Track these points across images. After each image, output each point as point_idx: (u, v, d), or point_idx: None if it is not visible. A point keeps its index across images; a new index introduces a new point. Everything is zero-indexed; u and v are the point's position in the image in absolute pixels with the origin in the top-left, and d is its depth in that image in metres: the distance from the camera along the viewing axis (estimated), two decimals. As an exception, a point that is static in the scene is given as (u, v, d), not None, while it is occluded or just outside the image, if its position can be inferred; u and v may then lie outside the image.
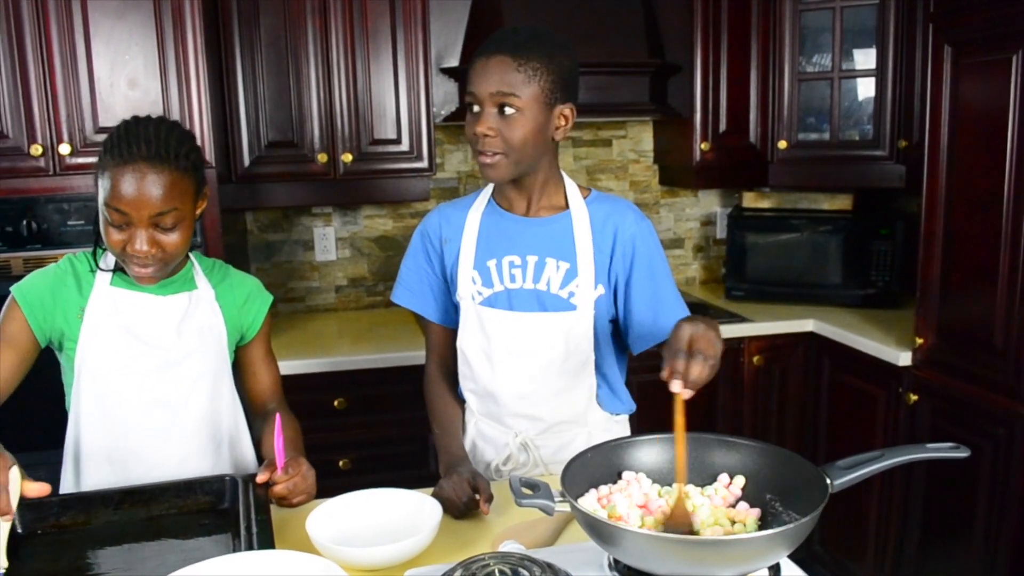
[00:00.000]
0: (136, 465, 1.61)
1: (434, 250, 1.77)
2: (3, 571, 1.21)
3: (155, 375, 1.59)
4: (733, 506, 1.25)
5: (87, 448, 1.60)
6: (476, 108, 1.56)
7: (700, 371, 1.23)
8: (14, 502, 1.19)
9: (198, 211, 1.56)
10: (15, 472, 1.20)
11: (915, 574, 2.66)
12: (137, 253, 1.46)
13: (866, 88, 3.11)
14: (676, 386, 1.22)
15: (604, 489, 1.29)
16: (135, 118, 1.52)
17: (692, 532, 1.20)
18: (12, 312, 1.57)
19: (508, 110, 1.54)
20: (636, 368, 1.85)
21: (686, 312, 1.64)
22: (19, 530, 1.41)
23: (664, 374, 1.24)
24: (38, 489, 1.23)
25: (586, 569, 1.17)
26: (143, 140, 1.45)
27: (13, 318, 1.56)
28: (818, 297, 3.24)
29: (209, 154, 2.52)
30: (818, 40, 3.16)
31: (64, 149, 2.42)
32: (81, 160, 2.45)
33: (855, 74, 3.11)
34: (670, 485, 1.30)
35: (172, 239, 1.49)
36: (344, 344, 2.91)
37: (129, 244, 1.46)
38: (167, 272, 1.56)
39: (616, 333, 1.75)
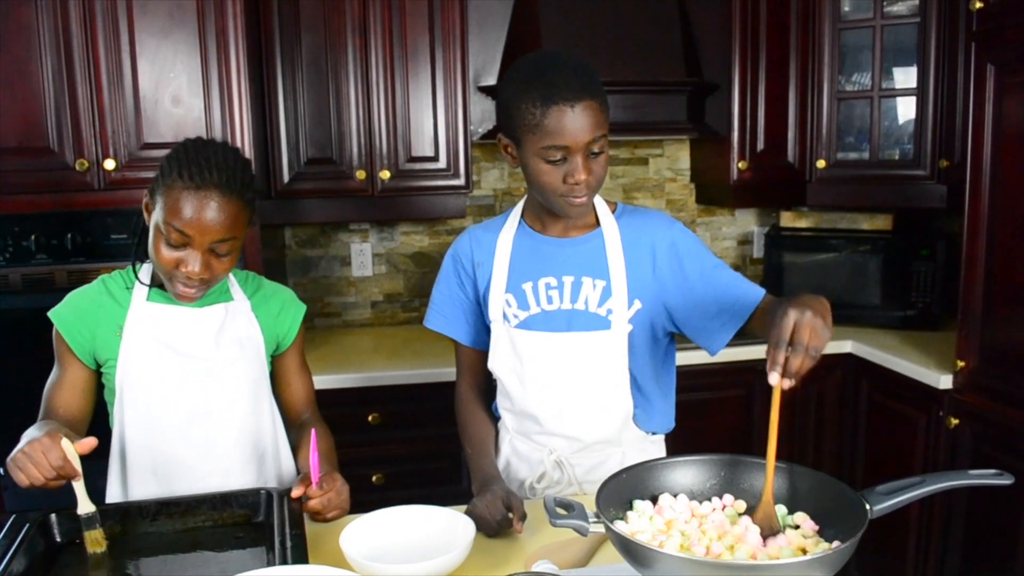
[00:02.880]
0: (180, 477, 1.63)
1: (466, 274, 1.78)
2: (93, 511, 1.39)
3: (196, 386, 1.61)
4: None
5: (132, 461, 1.63)
6: (559, 157, 1.51)
7: (801, 363, 1.17)
8: (77, 465, 1.34)
9: (246, 235, 1.58)
10: (67, 443, 1.33)
11: (956, 603, 2.60)
12: (189, 275, 1.48)
13: (906, 107, 3.07)
14: (773, 378, 1.17)
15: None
16: (201, 140, 1.53)
17: (775, 534, 1.19)
18: (57, 338, 1.61)
19: (596, 150, 1.53)
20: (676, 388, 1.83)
21: (755, 286, 1.61)
22: (57, 539, 1.43)
23: (768, 363, 1.19)
24: (87, 446, 1.35)
25: (619, 591, 1.16)
26: (215, 167, 1.46)
27: (59, 343, 1.61)
28: (856, 318, 3.20)
29: (250, 170, 2.55)
30: (858, 59, 3.13)
31: (109, 164, 2.48)
32: (126, 175, 2.49)
33: (895, 93, 3.08)
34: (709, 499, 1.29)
35: (223, 264, 1.52)
36: (379, 359, 2.92)
37: (182, 264, 1.48)
38: (205, 293, 1.58)
39: (666, 347, 1.74)
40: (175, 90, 2.50)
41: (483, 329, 1.78)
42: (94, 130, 2.47)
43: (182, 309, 1.61)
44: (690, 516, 1.27)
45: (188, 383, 1.61)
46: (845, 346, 3.03)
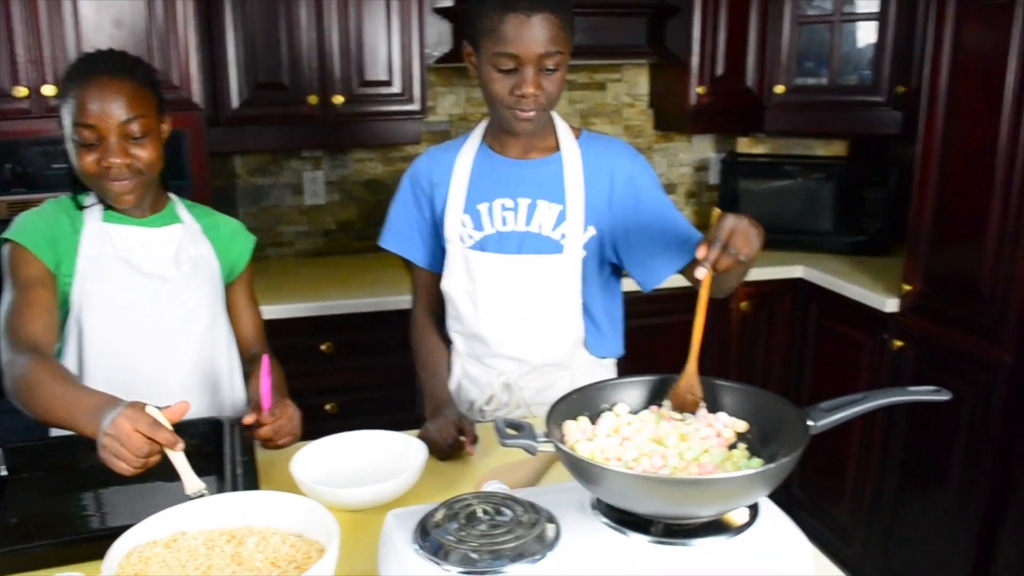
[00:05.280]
0: (136, 397, 1.59)
1: (424, 194, 1.76)
2: (203, 490, 1.25)
3: (155, 305, 1.60)
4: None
5: (89, 381, 1.58)
6: (511, 66, 1.51)
7: (730, 264, 1.27)
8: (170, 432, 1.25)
9: (164, 130, 1.59)
10: (152, 409, 1.26)
11: (892, 517, 2.70)
12: (112, 165, 1.49)
13: (866, 33, 3.06)
14: (700, 273, 1.26)
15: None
16: (86, 52, 1.59)
17: (696, 405, 1.24)
18: (20, 257, 1.54)
19: (550, 66, 1.52)
20: (625, 314, 1.84)
21: (700, 234, 1.63)
22: (4, 473, 1.42)
23: (699, 253, 1.28)
24: (179, 412, 1.30)
25: (568, 508, 1.17)
26: (98, 58, 1.53)
27: (25, 261, 1.53)
28: (809, 244, 3.24)
29: (197, 96, 2.49)
30: (819, -18, 3.10)
31: (48, 90, 2.39)
32: (65, 101, 2.41)
33: (856, 17, 3.06)
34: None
35: (143, 152, 1.52)
36: (332, 289, 2.90)
37: (103, 158, 1.49)
38: (144, 193, 1.57)
39: (611, 274, 1.75)
40: (117, 12, 2.40)
41: (439, 251, 1.78)
42: (31, 55, 2.37)
43: (140, 228, 1.61)
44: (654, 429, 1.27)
45: (146, 301, 1.60)
46: (796, 271, 3.07)
